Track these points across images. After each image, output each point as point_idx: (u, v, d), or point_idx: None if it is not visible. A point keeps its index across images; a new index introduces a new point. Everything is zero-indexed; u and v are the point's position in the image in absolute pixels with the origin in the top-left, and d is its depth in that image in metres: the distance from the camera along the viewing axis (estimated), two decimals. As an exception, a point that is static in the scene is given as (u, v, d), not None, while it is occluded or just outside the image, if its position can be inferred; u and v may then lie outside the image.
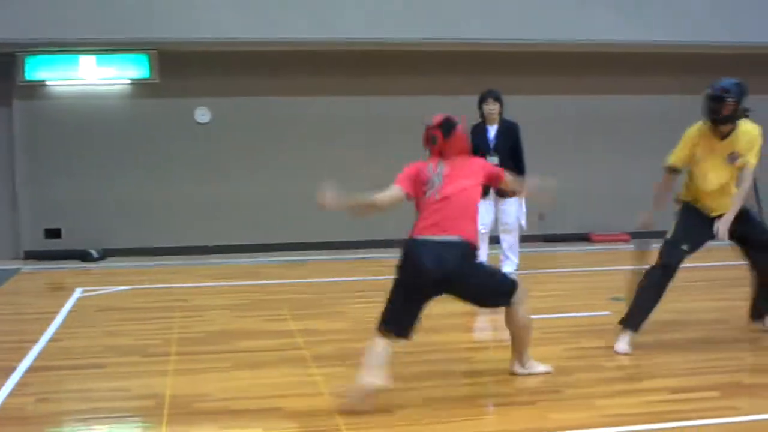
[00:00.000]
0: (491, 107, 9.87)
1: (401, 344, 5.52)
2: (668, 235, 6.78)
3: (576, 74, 13.19)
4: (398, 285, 5.44)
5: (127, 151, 12.08)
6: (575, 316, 7.92)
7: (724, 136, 6.61)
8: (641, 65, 13.20)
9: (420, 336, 7.06)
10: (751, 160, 6.61)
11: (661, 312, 7.69)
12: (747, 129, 6.66)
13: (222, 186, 12.26)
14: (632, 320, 6.70)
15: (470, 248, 5.45)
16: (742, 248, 6.98)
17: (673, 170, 6.79)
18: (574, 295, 9.14)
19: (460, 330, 7.52)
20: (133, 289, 9.71)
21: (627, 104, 13.35)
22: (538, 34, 12.04)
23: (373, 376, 5.23)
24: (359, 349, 6.64)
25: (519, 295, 5.63)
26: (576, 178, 13.04)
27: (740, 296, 8.66)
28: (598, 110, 13.26)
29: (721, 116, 6.53)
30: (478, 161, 5.84)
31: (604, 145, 13.26)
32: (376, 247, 12.10)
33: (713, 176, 6.64)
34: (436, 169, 5.53)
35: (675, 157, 6.75)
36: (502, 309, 5.71)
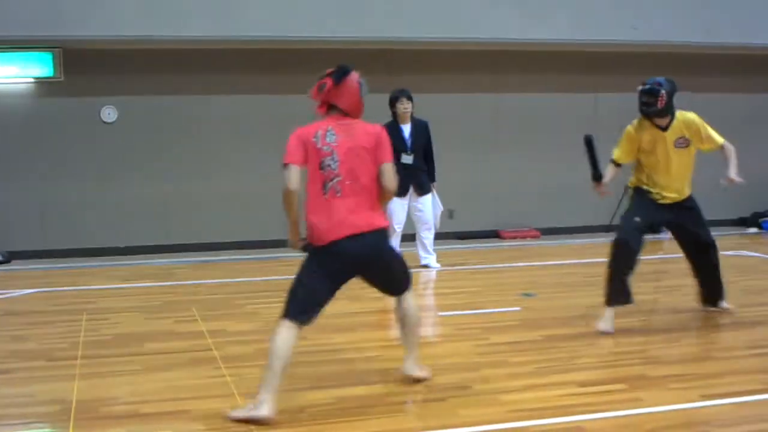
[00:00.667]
0: (405, 106, 10.00)
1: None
2: (623, 214, 7.45)
3: (485, 72, 13.32)
4: (315, 267, 5.20)
5: (31, 151, 11.82)
6: (485, 312, 8.00)
7: (665, 128, 7.20)
8: (547, 63, 13.39)
9: (329, 335, 7.11)
10: (719, 140, 7.49)
11: (569, 307, 7.84)
12: (687, 117, 7.30)
13: (130, 186, 12.08)
14: (610, 296, 7.18)
15: (386, 232, 5.35)
16: (677, 237, 7.64)
17: (617, 164, 7.38)
18: (484, 291, 9.24)
19: (369, 328, 7.54)
20: (38, 292, 9.50)
21: (536, 102, 13.52)
22: (444, 32, 12.11)
23: (264, 404, 4.98)
24: (267, 350, 6.64)
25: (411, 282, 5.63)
26: (486, 175, 13.19)
27: (649, 290, 8.87)
28: (507, 108, 13.40)
29: (656, 109, 7.08)
30: (375, 128, 5.34)
31: (513, 143, 13.41)
32: (284, 246, 12.03)
33: (666, 165, 7.25)
34: (324, 138, 5.15)
35: (618, 153, 7.36)
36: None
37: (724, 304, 7.82)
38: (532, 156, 13.38)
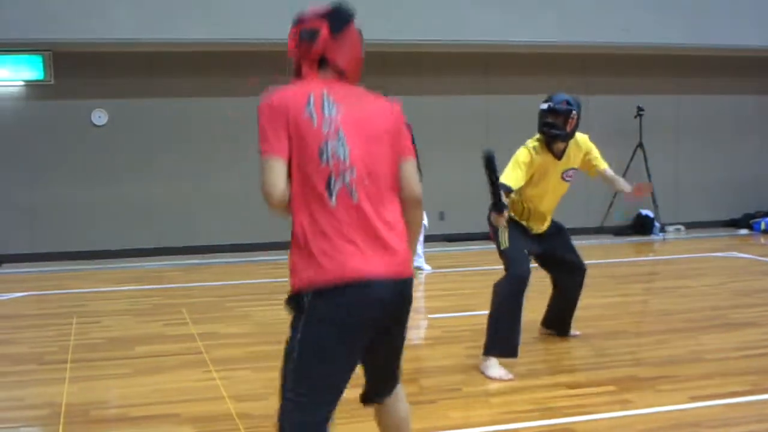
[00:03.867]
0: None
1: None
2: (503, 246, 6.19)
3: (475, 74, 13.33)
4: (320, 331, 3.22)
5: (21, 154, 11.79)
6: (476, 315, 7.99)
7: (560, 155, 6.24)
8: (536, 65, 13.41)
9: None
10: (604, 165, 6.45)
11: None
12: (579, 140, 6.33)
13: (120, 189, 12.07)
14: (500, 344, 6.01)
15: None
16: (545, 266, 6.70)
17: (510, 192, 6.05)
18: (475, 293, 9.23)
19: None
20: (28, 295, 9.48)
21: (525, 104, 13.49)
22: (433, 34, 12.12)
23: None
24: (260, 353, 6.66)
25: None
26: (476, 177, 13.15)
27: (634, 292, 8.89)
28: (497, 110, 13.40)
29: (564, 133, 6.12)
30: (392, 104, 3.49)
31: (503, 145, 13.37)
32: (276, 249, 12.05)
33: (551, 197, 6.35)
34: (321, 109, 3.22)
35: (515, 179, 6.06)
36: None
37: (576, 331, 7.00)
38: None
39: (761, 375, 5.95)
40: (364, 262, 3.17)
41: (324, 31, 3.37)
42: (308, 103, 3.23)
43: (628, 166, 13.18)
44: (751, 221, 13.98)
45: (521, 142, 6.31)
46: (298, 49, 3.43)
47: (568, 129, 6.14)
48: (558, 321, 6.96)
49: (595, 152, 6.47)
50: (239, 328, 7.65)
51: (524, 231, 6.36)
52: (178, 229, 12.27)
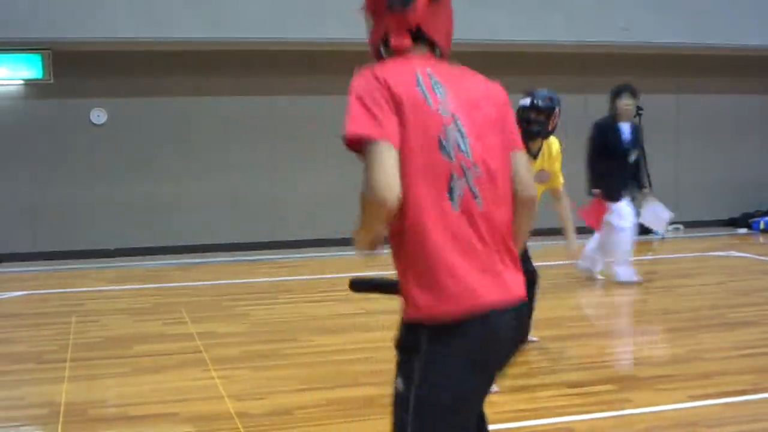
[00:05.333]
0: (627, 102, 9.16)
1: None
2: None
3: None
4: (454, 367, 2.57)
5: (20, 153, 11.78)
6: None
7: (536, 153, 6.06)
8: (538, 64, 13.41)
9: (320, 337, 7.12)
10: (560, 179, 6.27)
11: (557, 308, 7.84)
12: (551, 141, 6.13)
13: (119, 188, 12.05)
14: None
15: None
16: None
17: None
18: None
19: (360, 330, 7.53)
20: (27, 294, 9.48)
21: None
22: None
23: None
24: (259, 352, 6.66)
25: None
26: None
27: (633, 291, 8.89)
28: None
29: (546, 131, 5.95)
30: (496, 85, 2.90)
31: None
32: (274, 249, 12.07)
33: None
34: (432, 90, 2.61)
35: None
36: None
37: (534, 338, 6.57)
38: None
39: (760, 374, 5.96)
40: (498, 285, 2.59)
41: None
42: (417, 81, 2.60)
43: (627, 166, 13.19)
44: (750, 220, 13.97)
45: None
46: (387, 17, 2.72)
47: (550, 127, 5.95)
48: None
49: (560, 162, 6.23)
50: (238, 327, 7.65)
51: None
52: (177, 228, 12.26)
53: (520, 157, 2.80)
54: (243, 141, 12.35)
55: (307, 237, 12.40)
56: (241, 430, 4.93)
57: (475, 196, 2.58)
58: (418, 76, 2.60)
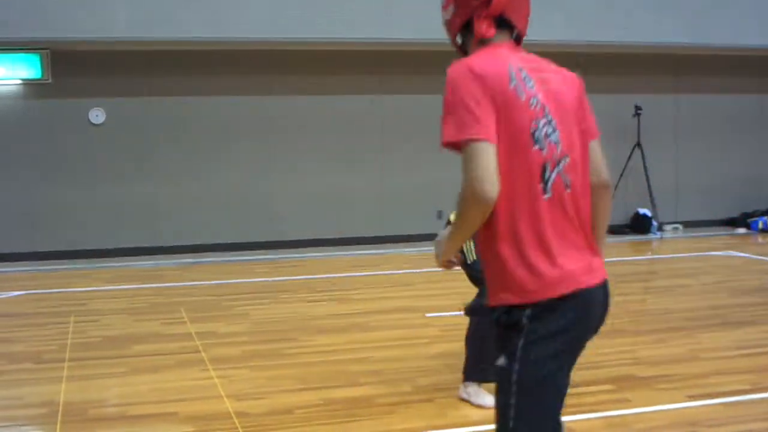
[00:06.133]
0: None
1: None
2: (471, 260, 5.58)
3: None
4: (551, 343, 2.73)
5: (18, 152, 11.77)
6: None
7: None
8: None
9: (317, 336, 7.12)
10: None
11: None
12: None
13: (118, 188, 12.04)
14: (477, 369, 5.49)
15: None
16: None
17: None
18: (472, 292, 9.21)
19: (357, 330, 7.53)
20: (26, 294, 9.47)
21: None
22: (434, 33, 12.10)
23: None
24: (258, 351, 6.67)
25: None
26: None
27: (632, 291, 8.89)
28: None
29: None
30: (572, 74, 2.97)
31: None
32: (273, 248, 12.06)
33: None
34: (524, 83, 2.69)
35: None
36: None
37: None
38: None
39: (759, 374, 5.96)
40: (589, 267, 2.75)
41: None
42: (510, 76, 2.66)
43: (626, 165, 13.20)
44: (748, 220, 13.98)
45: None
46: (470, 3, 2.77)
47: None
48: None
49: None
50: (237, 327, 7.65)
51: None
52: (175, 228, 12.25)
53: (597, 144, 2.92)
54: (242, 141, 12.34)
55: (306, 237, 12.40)
56: (240, 429, 4.93)
57: (566, 186, 2.70)
58: (511, 71, 2.67)
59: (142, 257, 11.84)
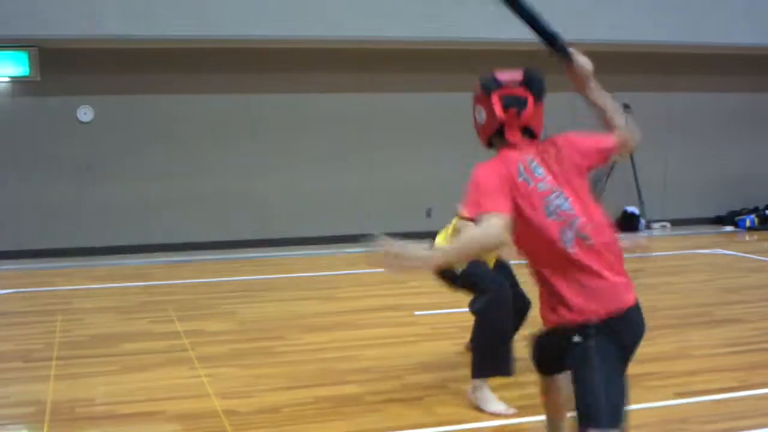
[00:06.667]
0: None
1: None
2: (462, 268, 5.82)
3: (464, 71, 13.31)
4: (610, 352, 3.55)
5: (5, 150, 11.72)
6: (463, 311, 7.98)
7: None
8: (526, 63, 13.41)
9: (305, 335, 7.11)
10: None
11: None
12: None
13: (106, 186, 12.01)
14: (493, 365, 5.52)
15: None
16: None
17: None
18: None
19: (345, 328, 7.52)
20: (13, 292, 9.43)
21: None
22: (421, 32, 12.09)
23: None
24: (246, 350, 6.66)
25: None
26: (465, 174, 13.15)
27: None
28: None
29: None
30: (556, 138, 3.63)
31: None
32: (261, 246, 12.05)
33: None
34: (533, 173, 3.44)
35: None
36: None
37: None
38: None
39: (747, 371, 5.98)
40: (624, 291, 3.52)
41: (530, 101, 3.56)
42: (519, 171, 3.41)
43: (614, 163, 13.23)
44: (736, 218, 14.02)
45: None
46: (504, 116, 3.54)
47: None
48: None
49: None
50: (225, 325, 7.63)
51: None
52: (163, 226, 12.21)
53: (616, 135, 3.78)
54: (231, 139, 12.32)
55: (294, 235, 12.39)
56: (228, 428, 4.92)
57: (584, 238, 3.37)
58: (521, 167, 3.40)
59: (130, 255, 11.81)
